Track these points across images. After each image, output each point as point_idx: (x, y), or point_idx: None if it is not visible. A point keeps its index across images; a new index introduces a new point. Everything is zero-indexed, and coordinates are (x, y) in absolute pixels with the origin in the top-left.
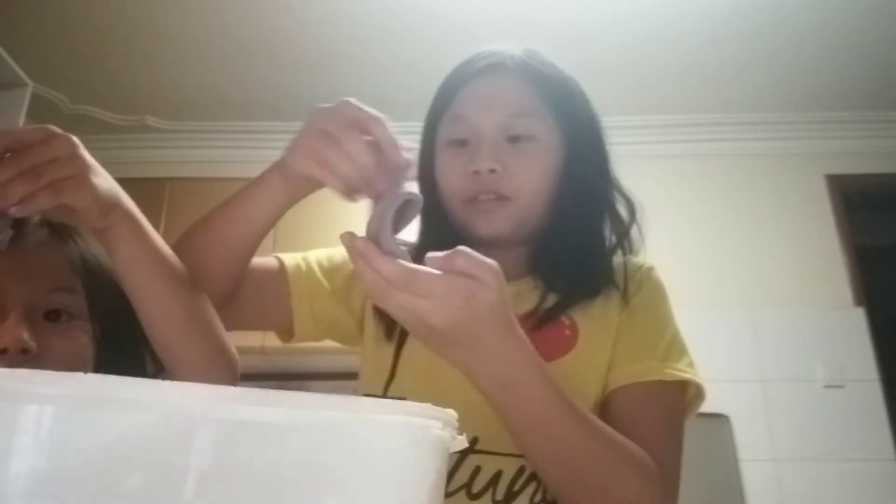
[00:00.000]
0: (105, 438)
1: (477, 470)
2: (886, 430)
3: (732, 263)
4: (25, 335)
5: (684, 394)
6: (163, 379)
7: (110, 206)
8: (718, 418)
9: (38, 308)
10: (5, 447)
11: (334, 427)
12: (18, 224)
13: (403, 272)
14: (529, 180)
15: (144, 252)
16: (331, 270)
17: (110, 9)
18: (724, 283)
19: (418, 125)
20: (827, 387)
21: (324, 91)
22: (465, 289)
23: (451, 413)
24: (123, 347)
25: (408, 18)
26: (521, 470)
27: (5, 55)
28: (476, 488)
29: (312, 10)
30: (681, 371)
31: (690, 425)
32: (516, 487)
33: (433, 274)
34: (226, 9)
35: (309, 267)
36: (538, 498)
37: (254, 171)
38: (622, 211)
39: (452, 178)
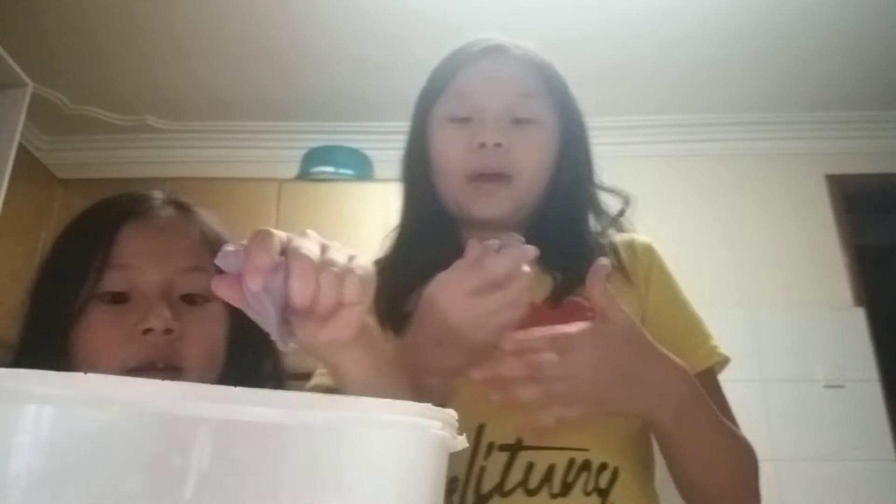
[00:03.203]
0: (105, 438)
1: (530, 466)
2: (886, 430)
3: (732, 263)
4: (168, 317)
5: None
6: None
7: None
8: None
9: (174, 290)
10: (5, 447)
11: (334, 427)
12: (145, 200)
13: (550, 336)
14: (532, 160)
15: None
16: None
17: (110, 9)
18: (724, 283)
19: None
20: (827, 387)
21: (324, 91)
22: (600, 330)
23: (451, 413)
24: (250, 324)
25: (407, 19)
26: (572, 462)
27: (5, 55)
28: (532, 484)
29: (312, 10)
30: (720, 350)
31: None
32: (570, 479)
33: (570, 331)
34: (226, 9)
35: None
36: (590, 487)
37: (254, 172)
38: (612, 201)
39: (454, 152)
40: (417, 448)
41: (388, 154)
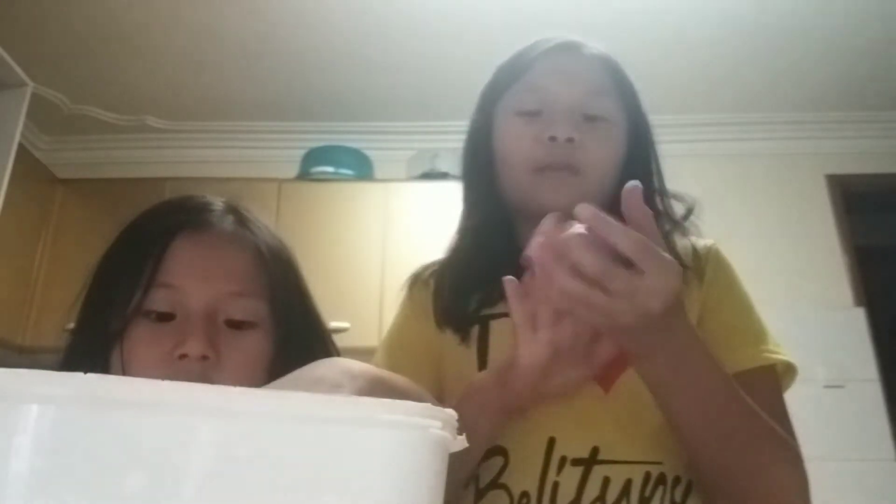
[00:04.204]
0: (105, 438)
1: (606, 481)
2: (886, 430)
3: (732, 263)
4: (205, 344)
5: (776, 373)
6: None
7: None
8: None
9: (219, 312)
10: (5, 447)
11: (334, 427)
12: (203, 209)
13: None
14: (601, 157)
15: None
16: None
17: (110, 9)
18: None
19: (419, 125)
20: (827, 387)
21: (324, 91)
22: (673, 266)
23: (451, 413)
24: (299, 343)
25: (407, 19)
26: (648, 476)
27: (5, 55)
28: (610, 500)
29: (312, 10)
30: (773, 353)
31: None
32: (647, 493)
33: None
34: (226, 9)
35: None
36: (667, 501)
37: (254, 172)
38: (678, 207)
39: (522, 145)
40: (417, 448)
41: (388, 154)
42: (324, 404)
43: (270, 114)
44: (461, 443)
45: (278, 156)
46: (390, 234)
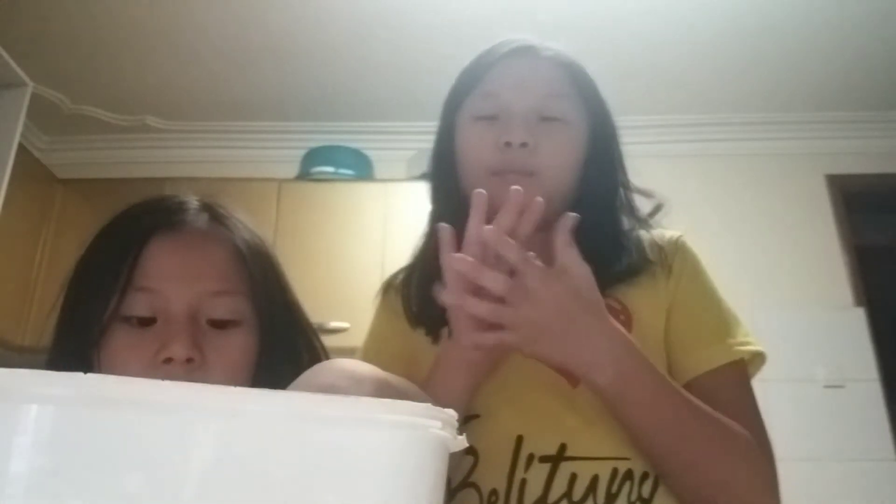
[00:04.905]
0: (105, 438)
1: (573, 478)
2: (886, 430)
3: (732, 263)
4: (189, 346)
5: (744, 366)
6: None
7: None
8: None
9: (202, 313)
10: (5, 447)
11: (334, 427)
12: (178, 209)
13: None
14: (558, 159)
15: None
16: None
17: (110, 9)
18: (725, 283)
19: (419, 125)
20: (827, 387)
21: (324, 91)
22: (558, 276)
23: (451, 413)
24: (283, 337)
25: (408, 19)
26: (615, 472)
27: (5, 55)
28: (576, 496)
29: (312, 10)
30: (745, 345)
31: None
32: (614, 489)
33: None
34: (226, 9)
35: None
36: (634, 497)
37: (254, 172)
38: (641, 205)
39: (480, 150)
40: (417, 448)
41: (388, 154)
42: (324, 404)
43: (270, 114)
44: (461, 443)
45: (278, 156)
46: (390, 234)
